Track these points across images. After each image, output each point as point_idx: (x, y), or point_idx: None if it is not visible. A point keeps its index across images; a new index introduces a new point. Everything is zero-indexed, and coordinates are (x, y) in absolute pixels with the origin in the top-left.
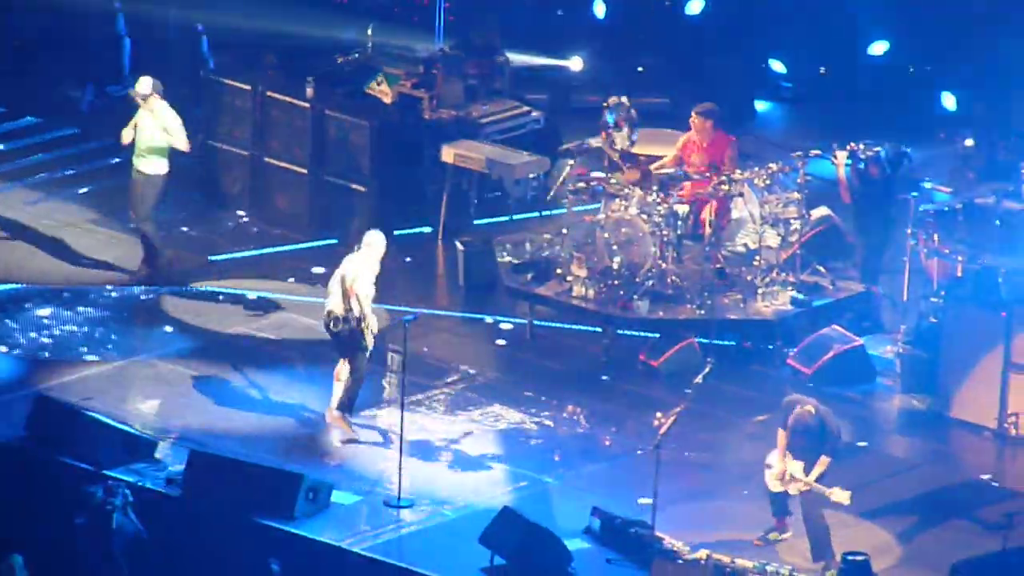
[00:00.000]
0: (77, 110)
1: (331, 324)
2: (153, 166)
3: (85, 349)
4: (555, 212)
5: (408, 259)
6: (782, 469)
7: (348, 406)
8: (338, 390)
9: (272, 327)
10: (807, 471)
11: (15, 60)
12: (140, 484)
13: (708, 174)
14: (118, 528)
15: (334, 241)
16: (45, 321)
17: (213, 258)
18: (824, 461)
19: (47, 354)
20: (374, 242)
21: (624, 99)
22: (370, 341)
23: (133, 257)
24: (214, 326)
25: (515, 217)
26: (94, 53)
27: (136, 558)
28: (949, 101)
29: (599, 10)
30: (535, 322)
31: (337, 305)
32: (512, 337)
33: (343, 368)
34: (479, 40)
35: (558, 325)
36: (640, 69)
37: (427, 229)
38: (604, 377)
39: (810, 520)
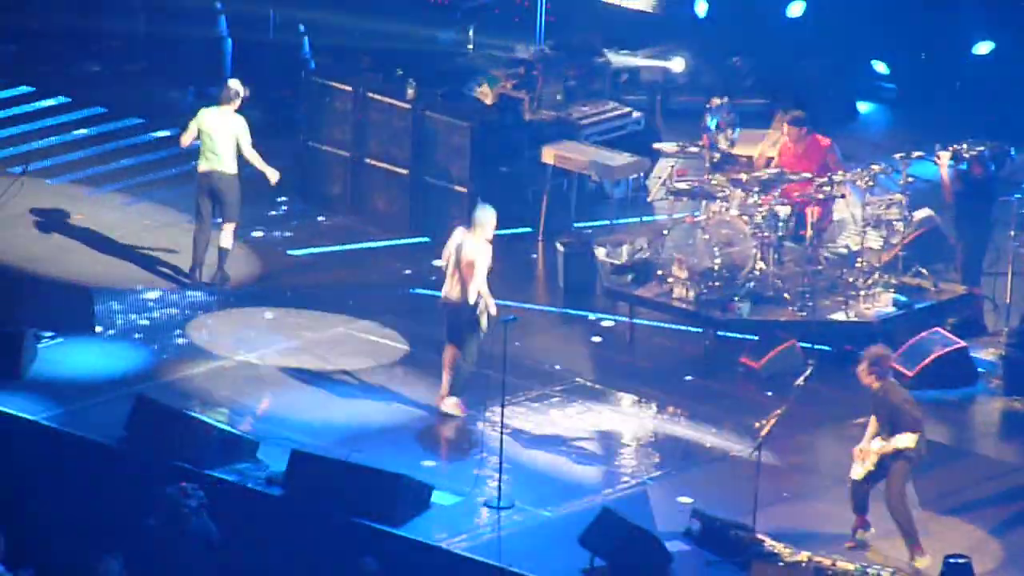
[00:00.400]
0: (178, 111)
1: (446, 309)
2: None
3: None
4: (655, 214)
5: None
6: (862, 446)
7: (459, 391)
8: (447, 378)
9: (373, 327)
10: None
11: (116, 61)
12: (242, 484)
13: (809, 175)
14: (194, 531)
15: (426, 239)
16: (144, 321)
17: (293, 252)
18: (909, 437)
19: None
20: (484, 220)
21: (725, 100)
22: (485, 325)
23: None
24: (312, 327)
25: (615, 219)
26: (196, 54)
27: (231, 557)
28: None
29: (700, 8)
30: (635, 321)
31: (452, 290)
32: (611, 338)
33: (450, 353)
34: (579, 41)
35: (658, 324)
36: (735, 59)
37: (527, 230)
38: (688, 377)
39: (896, 513)
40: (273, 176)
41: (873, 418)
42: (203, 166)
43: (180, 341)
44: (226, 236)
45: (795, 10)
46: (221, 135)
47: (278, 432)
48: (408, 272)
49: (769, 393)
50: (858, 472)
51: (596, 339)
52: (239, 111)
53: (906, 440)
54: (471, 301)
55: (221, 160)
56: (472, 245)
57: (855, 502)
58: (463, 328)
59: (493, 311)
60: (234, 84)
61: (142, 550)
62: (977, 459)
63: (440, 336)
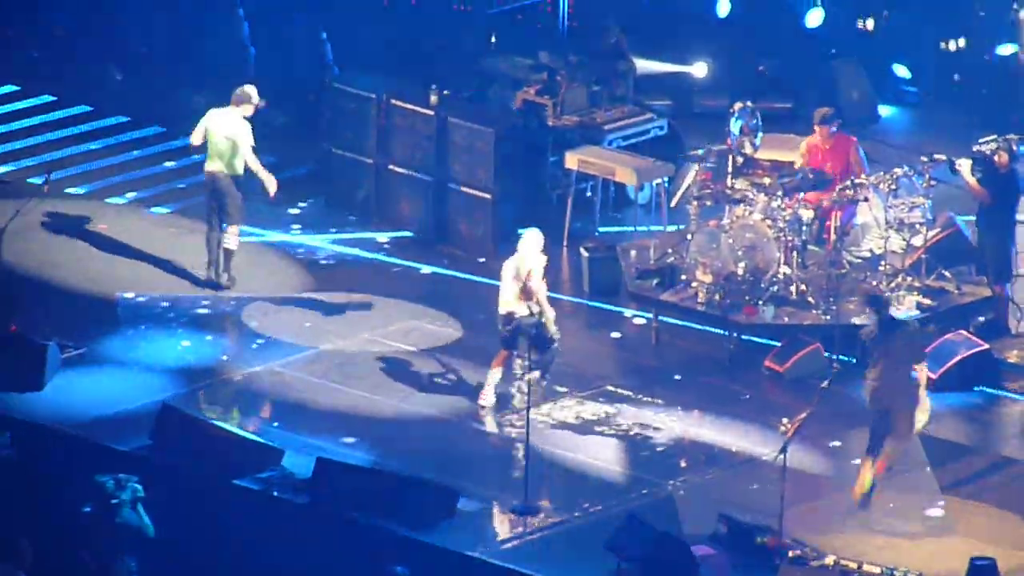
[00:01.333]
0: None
1: (508, 324)
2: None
3: (225, 358)
4: (679, 219)
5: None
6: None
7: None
8: (494, 379)
9: (399, 334)
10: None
11: (138, 69)
12: (267, 492)
13: (834, 177)
14: (123, 523)
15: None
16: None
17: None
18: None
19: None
20: (529, 240)
21: (749, 104)
22: (555, 330)
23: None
24: (340, 335)
25: (639, 224)
26: (219, 62)
27: (261, 565)
28: None
29: (722, 9)
30: (660, 317)
31: (510, 303)
32: (637, 342)
33: (500, 357)
34: (602, 46)
35: (682, 323)
36: (761, 68)
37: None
38: (712, 380)
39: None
40: (271, 185)
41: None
42: (207, 166)
43: (206, 351)
44: (229, 238)
45: (813, 20)
46: (221, 136)
47: (304, 439)
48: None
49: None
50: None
51: (615, 335)
52: (250, 118)
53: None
54: (536, 309)
55: (221, 161)
56: (525, 258)
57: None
58: (535, 338)
59: (553, 317)
60: (249, 89)
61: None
62: (1002, 460)
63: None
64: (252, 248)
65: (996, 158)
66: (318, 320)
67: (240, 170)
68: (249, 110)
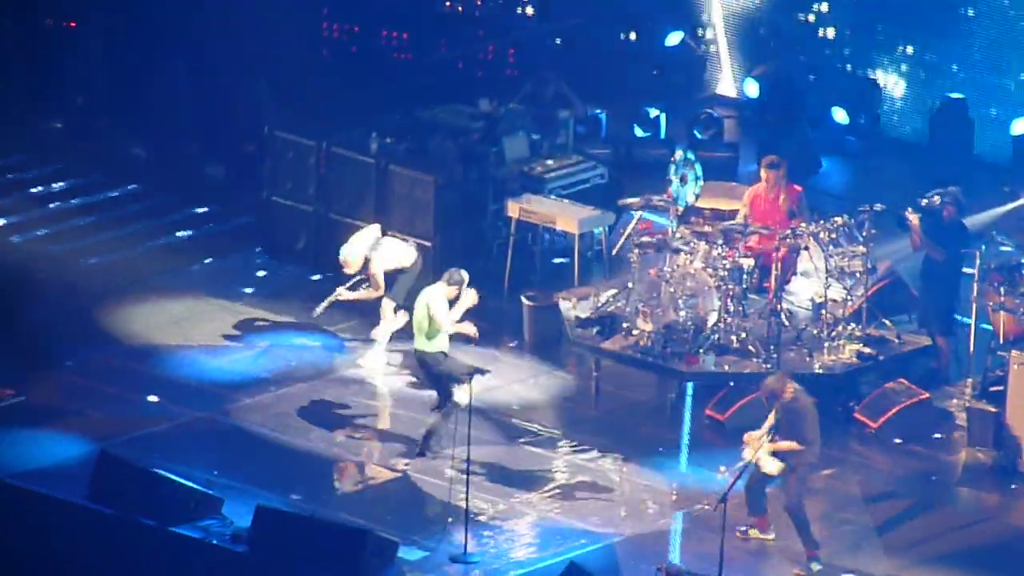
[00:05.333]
0: (138, 166)
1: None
2: None
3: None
4: (620, 268)
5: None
6: (756, 434)
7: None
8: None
9: (336, 379)
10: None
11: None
12: (207, 541)
13: (775, 227)
14: None
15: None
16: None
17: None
18: (792, 444)
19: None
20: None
21: (689, 153)
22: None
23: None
24: (279, 382)
25: (580, 273)
26: (157, 111)
27: None
28: None
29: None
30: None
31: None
32: (577, 392)
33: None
34: (543, 94)
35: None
36: (655, 72)
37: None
38: (653, 430)
39: (793, 512)
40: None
41: (772, 414)
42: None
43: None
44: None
45: (751, 90)
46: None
47: (241, 487)
48: None
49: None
50: (747, 455)
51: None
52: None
53: (774, 469)
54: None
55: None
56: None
57: (749, 500)
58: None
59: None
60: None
61: None
62: (942, 510)
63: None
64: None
65: (944, 212)
66: (261, 365)
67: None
68: (454, 292)
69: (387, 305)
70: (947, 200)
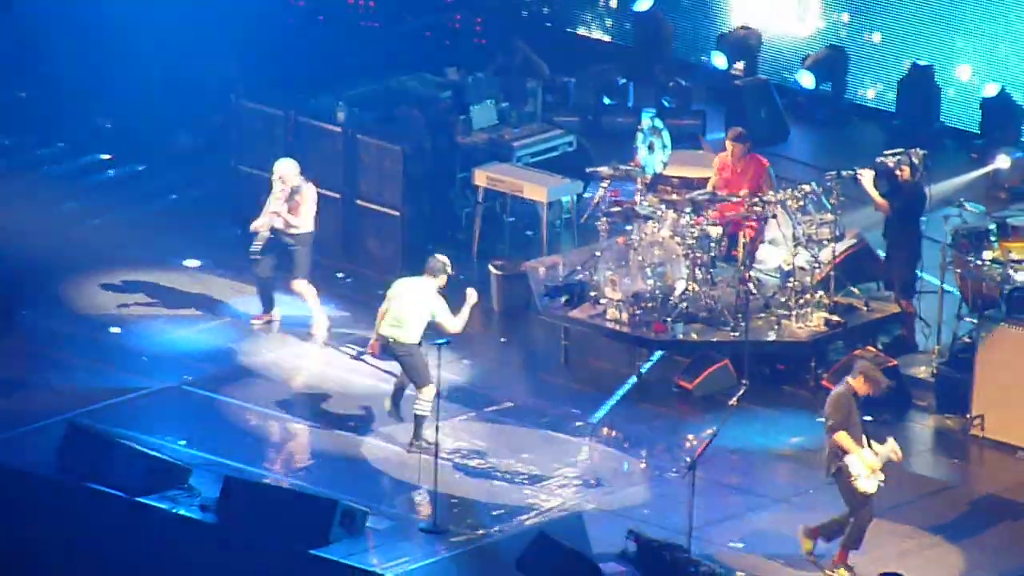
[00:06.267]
0: (101, 136)
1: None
2: None
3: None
4: (588, 236)
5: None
6: (875, 463)
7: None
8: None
9: (305, 351)
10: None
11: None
12: (174, 511)
13: (742, 196)
14: None
15: None
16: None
17: None
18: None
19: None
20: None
21: (656, 121)
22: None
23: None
24: (249, 352)
25: (548, 241)
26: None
27: None
28: None
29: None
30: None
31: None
32: (546, 360)
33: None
34: (510, 63)
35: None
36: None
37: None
38: (622, 398)
39: (859, 518)
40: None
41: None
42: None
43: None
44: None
45: (719, 61)
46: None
47: (211, 457)
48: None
49: (702, 413)
50: (873, 486)
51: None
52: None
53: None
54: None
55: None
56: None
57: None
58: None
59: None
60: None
61: None
62: (911, 476)
63: None
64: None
65: (898, 172)
66: (228, 337)
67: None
68: (443, 281)
69: (301, 286)
70: (902, 161)
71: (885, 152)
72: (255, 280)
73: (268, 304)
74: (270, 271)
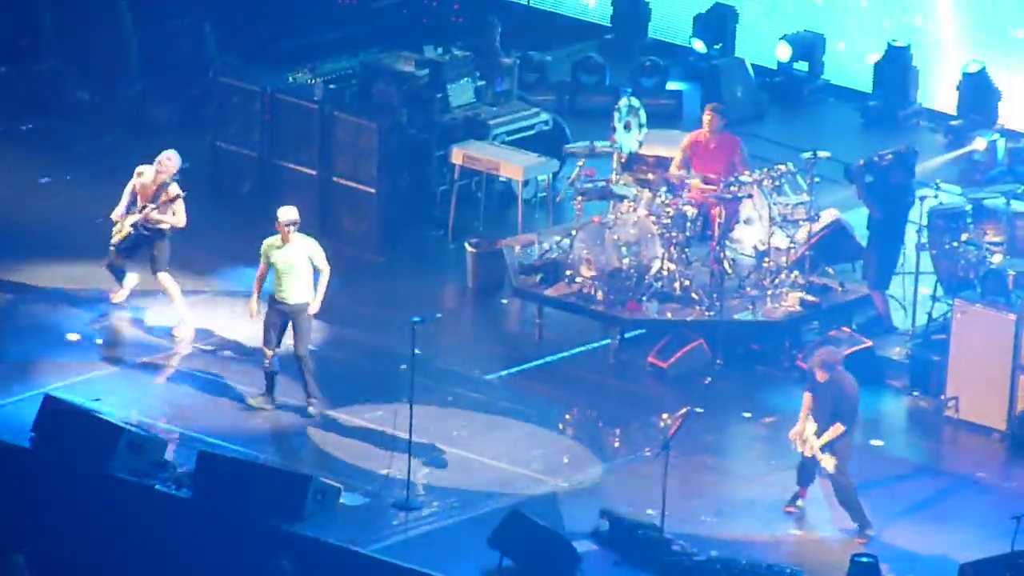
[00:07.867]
0: (83, 110)
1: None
2: None
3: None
4: (564, 215)
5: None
6: (800, 429)
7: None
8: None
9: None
10: (819, 435)
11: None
12: (148, 486)
13: (716, 175)
14: None
15: None
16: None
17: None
18: (836, 428)
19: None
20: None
21: (633, 100)
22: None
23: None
24: (223, 328)
25: (524, 220)
26: (102, 55)
27: (145, 559)
28: None
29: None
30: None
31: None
32: (521, 340)
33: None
34: (487, 42)
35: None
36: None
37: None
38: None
39: (844, 495)
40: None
41: (807, 396)
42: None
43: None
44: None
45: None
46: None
47: (185, 432)
48: None
49: (676, 392)
50: (807, 452)
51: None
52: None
53: (829, 465)
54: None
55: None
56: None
57: (802, 475)
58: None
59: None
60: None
61: (47, 549)
62: (885, 457)
63: None
64: None
65: (888, 170)
66: (210, 315)
67: None
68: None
69: (165, 279)
70: (891, 158)
71: (880, 152)
72: (107, 264)
73: (121, 276)
74: (124, 262)
